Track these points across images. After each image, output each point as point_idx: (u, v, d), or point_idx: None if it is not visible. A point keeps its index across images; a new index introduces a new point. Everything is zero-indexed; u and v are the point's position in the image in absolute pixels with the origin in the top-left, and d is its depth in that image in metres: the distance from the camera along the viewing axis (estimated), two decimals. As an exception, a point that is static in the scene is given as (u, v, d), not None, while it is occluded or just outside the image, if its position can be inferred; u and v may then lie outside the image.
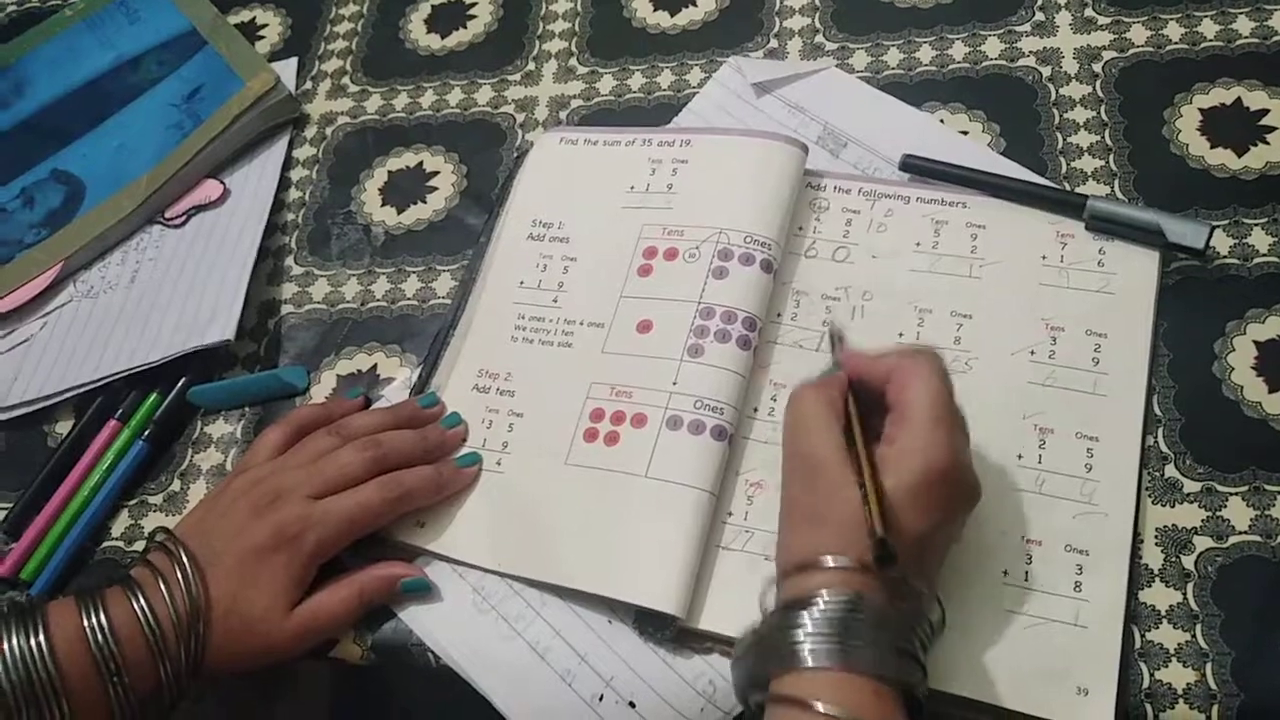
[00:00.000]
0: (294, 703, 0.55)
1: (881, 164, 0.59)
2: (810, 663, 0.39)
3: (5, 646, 0.43)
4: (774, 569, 0.44)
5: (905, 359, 0.44)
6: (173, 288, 0.62)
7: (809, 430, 0.44)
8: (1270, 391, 0.49)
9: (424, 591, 0.50)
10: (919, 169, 0.57)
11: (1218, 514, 0.47)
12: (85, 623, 0.44)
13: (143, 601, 0.45)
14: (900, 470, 0.41)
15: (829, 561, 0.40)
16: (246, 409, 0.59)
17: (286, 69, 0.72)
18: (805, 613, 0.40)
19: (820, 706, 0.38)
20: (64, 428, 0.60)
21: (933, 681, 0.44)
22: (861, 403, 0.44)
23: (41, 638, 0.44)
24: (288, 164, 0.68)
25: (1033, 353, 0.51)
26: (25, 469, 0.59)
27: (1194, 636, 0.44)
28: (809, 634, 0.39)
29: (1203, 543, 0.46)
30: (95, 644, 0.44)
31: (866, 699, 0.38)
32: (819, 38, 0.65)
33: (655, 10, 0.69)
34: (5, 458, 0.61)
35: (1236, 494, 0.47)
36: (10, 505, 0.58)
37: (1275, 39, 0.59)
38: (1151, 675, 0.44)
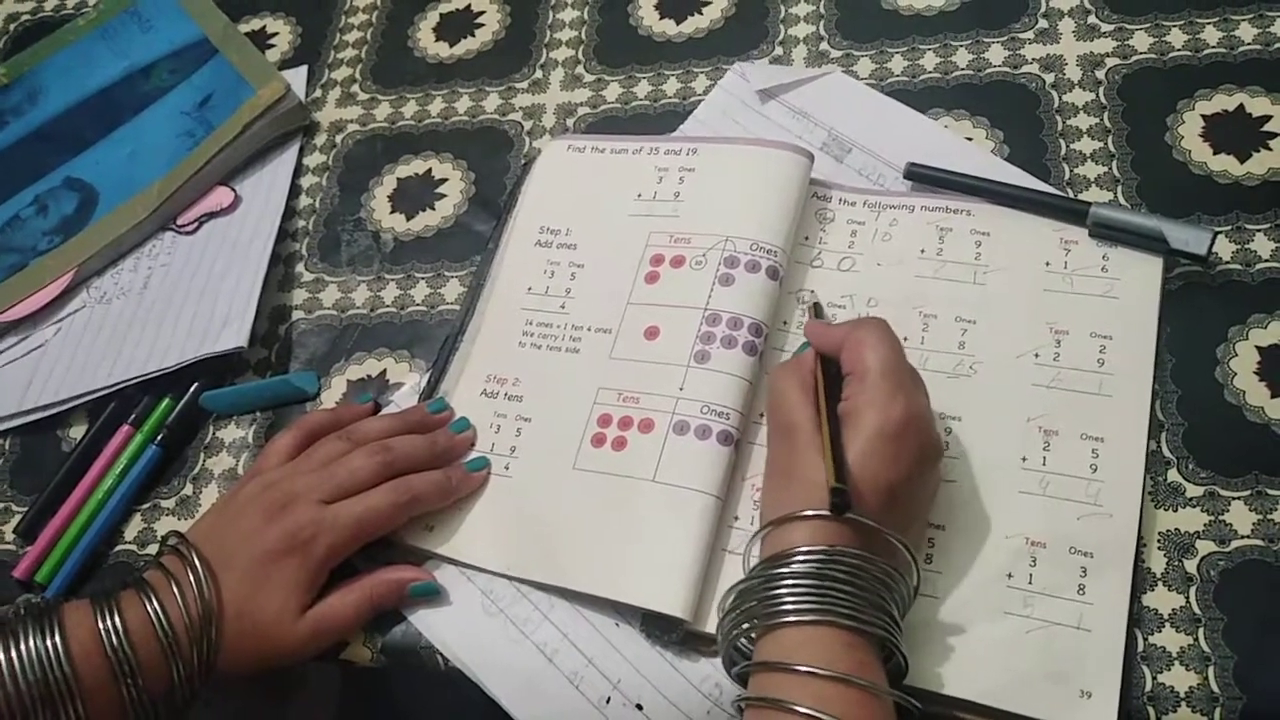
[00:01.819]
0: (304, 704, 0.56)
1: (886, 170, 0.60)
2: (792, 618, 0.41)
3: (22, 647, 0.44)
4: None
5: (856, 328, 0.47)
6: (185, 294, 0.63)
7: (784, 400, 0.47)
8: (1273, 396, 0.49)
9: (433, 595, 0.51)
10: (923, 177, 0.58)
11: (1220, 518, 0.47)
12: (100, 625, 0.45)
13: (156, 604, 0.46)
14: (859, 425, 0.44)
15: (805, 514, 0.42)
16: (258, 414, 0.60)
17: (297, 77, 0.73)
18: (785, 565, 0.42)
19: (801, 667, 0.39)
20: (78, 433, 0.61)
21: (935, 683, 0.44)
22: (830, 373, 0.48)
23: (57, 639, 0.44)
24: (298, 171, 0.69)
25: (1037, 355, 0.51)
26: (40, 473, 0.60)
27: (1197, 640, 0.45)
28: (790, 587, 0.41)
29: (1205, 547, 0.47)
30: (110, 646, 0.45)
31: (845, 652, 0.40)
32: (824, 45, 0.66)
33: (661, 18, 0.70)
34: (20, 462, 0.61)
35: (1239, 498, 0.47)
36: (25, 509, 0.58)
37: (1278, 45, 0.59)
38: (1154, 678, 0.44)
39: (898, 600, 0.42)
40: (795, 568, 0.41)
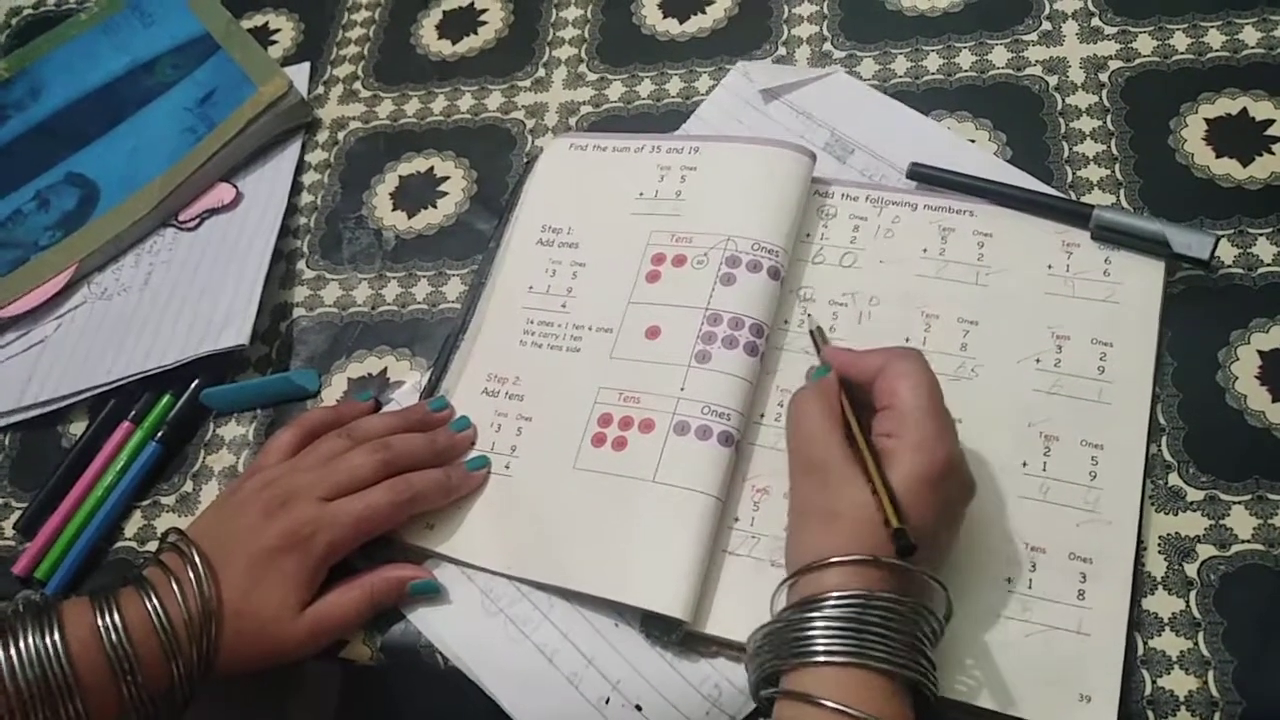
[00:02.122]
0: (303, 703, 0.56)
1: (889, 171, 0.59)
2: (822, 658, 0.40)
3: (21, 644, 0.44)
4: (781, 573, 0.45)
5: (893, 358, 0.45)
6: (186, 291, 0.63)
7: (811, 433, 0.45)
8: (1274, 401, 0.49)
9: (433, 594, 0.50)
10: (926, 177, 0.58)
11: (1221, 522, 0.47)
12: (99, 622, 0.45)
13: (156, 601, 0.46)
14: (902, 465, 0.42)
15: (841, 558, 0.41)
16: (258, 411, 0.60)
17: (299, 74, 0.73)
18: (818, 609, 0.41)
19: (830, 703, 0.38)
20: (78, 429, 0.61)
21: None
22: (855, 401, 0.46)
23: (56, 636, 0.44)
24: (300, 168, 0.69)
25: (1038, 360, 0.51)
26: (40, 470, 0.60)
27: (1196, 644, 0.45)
28: (822, 630, 0.40)
29: (1206, 551, 0.47)
30: (109, 643, 0.45)
31: (876, 694, 0.39)
32: (827, 45, 0.66)
33: (665, 17, 0.70)
34: (20, 458, 0.61)
35: (1240, 503, 0.47)
36: (25, 505, 0.58)
37: (1282, 49, 0.59)
38: (1154, 683, 0.44)
39: (929, 635, 0.41)
40: (829, 612, 0.40)
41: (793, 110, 0.63)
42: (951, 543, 0.46)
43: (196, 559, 0.48)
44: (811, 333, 0.53)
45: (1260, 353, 0.51)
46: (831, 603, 0.40)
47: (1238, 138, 0.56)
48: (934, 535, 0.43)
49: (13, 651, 0.44)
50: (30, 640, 0.44)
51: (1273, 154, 0.56)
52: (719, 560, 0.49)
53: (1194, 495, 0.48)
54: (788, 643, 0.41)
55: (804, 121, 0.62)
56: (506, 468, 0.53)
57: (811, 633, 0.41)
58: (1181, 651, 0.45)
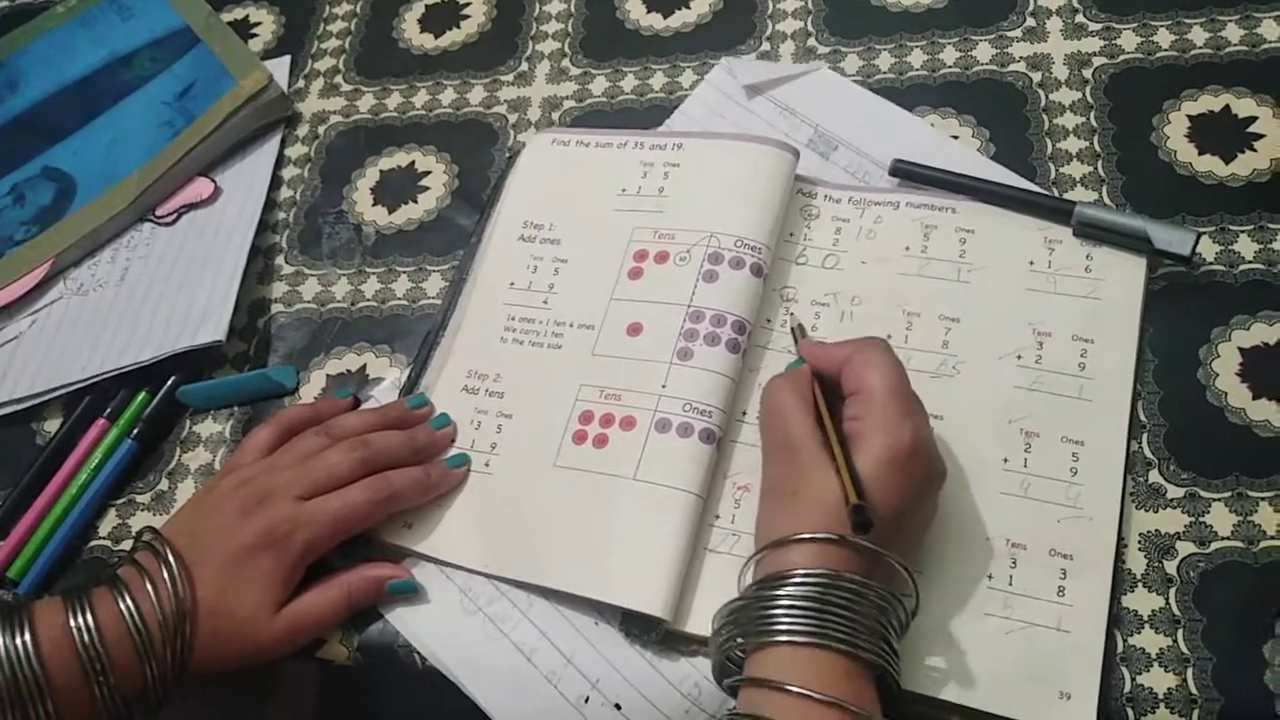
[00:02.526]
0: (280, 703, 0.55)
1: (872, 168, 0.59)
2: (784, 638, 0.40)
3: (-9, 645, 0.44)
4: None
5: (859, 348, 0.46)
6: (163, 286, 0.62)
7: (782, 417, 0.46)
8: (1254, 398, 0.49)
9: (411, 593, 0.50)
10: (909, 174, 0.57)
11: (1201, 519, 0.47)
12: (71, 622, 0.45)
13: (129, 601, 0.45)
14: (869, 447, 0.43)
15: (806, 535, 0.42)
16: (235, 408, 0.59)
17: (279, 67, 0.72)
18: (782, 585, 0.41)
19: (794, 688, 0.38)
20: (52, 426, 0.60)
21: (915, 685, 0.44)
22: (826, 390, 0.47)
23: (27, 637, 0.44)
24: (279, 162, 0.68)
25: (1019, 357, 0.51)
26: (13, 467, 0.59)
27: (1176, 642, 0.45)
28: (785, 608, 0.40)
29: (1185, 548, 0.47)
30: (81, 644, 0.44)
31: (839, 676, 0.39)
32: (811, 41, 0.65)
33: (648, 12, 0.69)
34: (-7, 455, 0.61)
35: (1219, 500, 0.47)
36: (-2, 503, 0.58)
37: (1264, 47, 0.59)
38: (1133, 680, 0.44)
39: (895, 625, 0.41)
40: (793, 589, 0.40)
41: (776, 106, 0.62)
42: (923, 531, 0.46)
43: (171, 558, 0.47)
44: (792, 330, 0.54)
45: (1241, 350, 0.51)
46: (796, 579, 0.41)
47: (1220, 135, 0.56)
48: (901, 518, 0.43)
49: (-17, 652, 0.43)
50: (1, 641, 0.44)
51: (1255, 151, 0.56)
52: (700, 558, 0.49)
53: (1174, 492, 0.48)
54: (751, 620, 0.41)
55: (788, 118, 0.62)
56: (486, 465, 0.53)
57: (775, 610, 0.40)
58: (1161, 649, 0.45)
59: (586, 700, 0.47)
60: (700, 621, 0.47)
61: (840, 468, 0.42)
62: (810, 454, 0.44)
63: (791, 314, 0.55)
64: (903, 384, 0.45)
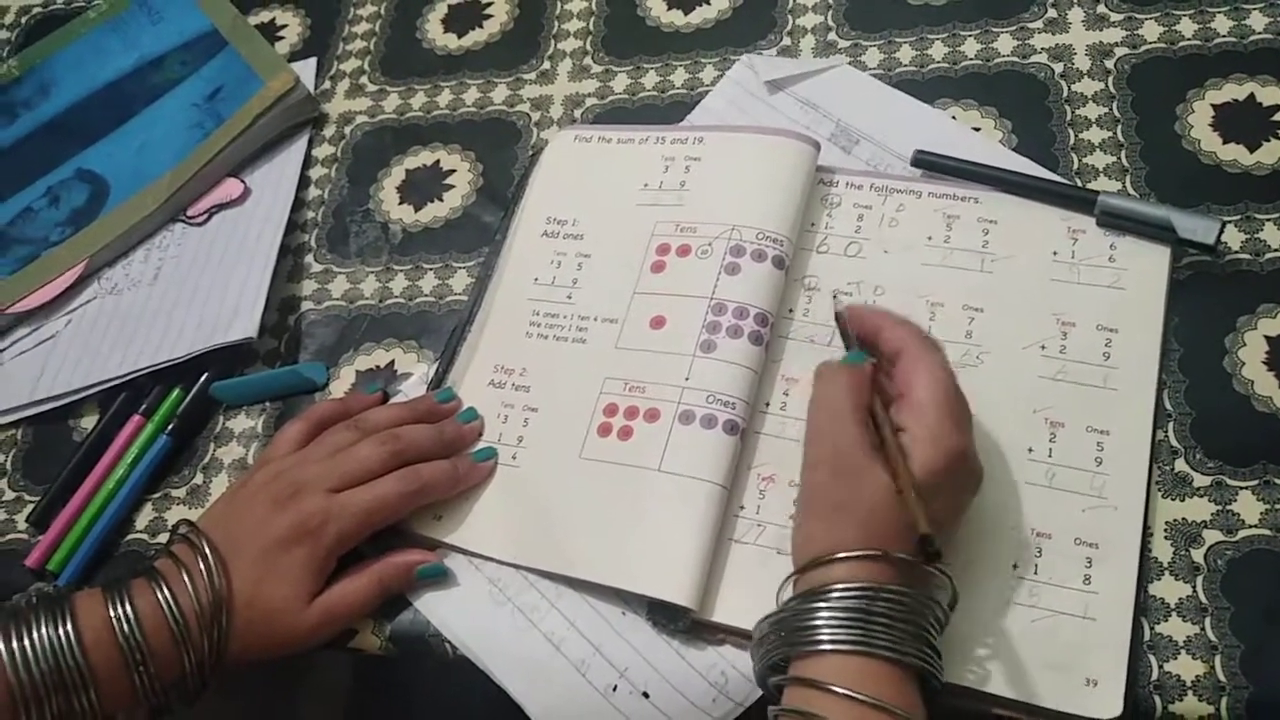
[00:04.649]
0: (313, 692, 0.56)
1: (894, 161, 0.59)
2: (829, 647, 0.40)
3: (34, 636, 0.45)
4: (787, 562, 0.45)
5: (913, 346, 0.45)
6: (195, 285, 0.63)
7: (836, 416, 0.45)
8: (1281, 386, 0.49)
9: (440, 577, 0.51)
10: (931, 165, 0.58)
11: (1228, 508, 0.47)
12: (112, 613, 0.46)
13: (167, 592, 0.46)
14: (915, 460, 0.42)
15: (852, 550, 0.42)
16: (267, 404, 0.60)
17: (306, 69, 0.73)
18: (824, 599, 0.41)
19: (838, 689, 0.39)
20: (89, 423, 0.62)
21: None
22: (885, 399, 0.45)
23: (69, 627, 0.45)
24: (307, 163, 0.69)
25: (1043, 347, 0.51)
26: (51, 463, 0.60)
27: (1203, 629, 0.45)
28: (827, 620, 0.40)
29: (1212, 536, 0.47)
30: (121, 634, 0.45)
31: (884, 682, 0.40)
32: (831, 35, 0.66)
33: (669, 9, 0.70)
34: (32, 452, 0.62)
35: (1246, 488, 0.47)
36: (37, 498, 0.59)
37: (1289, 34, 0.59)
38: (1160, 667, 0.44)
39: (934, 625, 0.42)
40: (835, 602, 0.41)
41: (797, 101, 0.63)
42: (955, 530, 0.46)
43: (207, 550, 0.48)
44: (837, 315, 0.50)
45: (1267, 338, 0.50)
46: (838, 593, 0.41)
47: (1245, 123, 0.56)
48: (942, 523, 0.43)
49: (26, 642, 0.44)
50: (44, 631, 0.45)
51: (1279, 139, 0.55)
52: (725, 548, 0.49)
53: (1201, 481, 0.48)
54: (794, 631, 0.41)
55: (809, 113, 0.62)
56: (513, 458, 0.54)
57: (817, 622, 0.41)
58: (1188, 636, 0.45)
59: (615, 689, 0.47)
60: (726, 611, 0.48)
61: (907, 493, 0.41)
62: (858, 465, 0.43)
63: (836, 297, 0.54)
64: (952, 395, 0.44)
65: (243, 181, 0.68)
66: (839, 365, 0.47)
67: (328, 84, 0.73)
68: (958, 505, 0.45)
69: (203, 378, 0.60)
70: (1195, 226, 0.51)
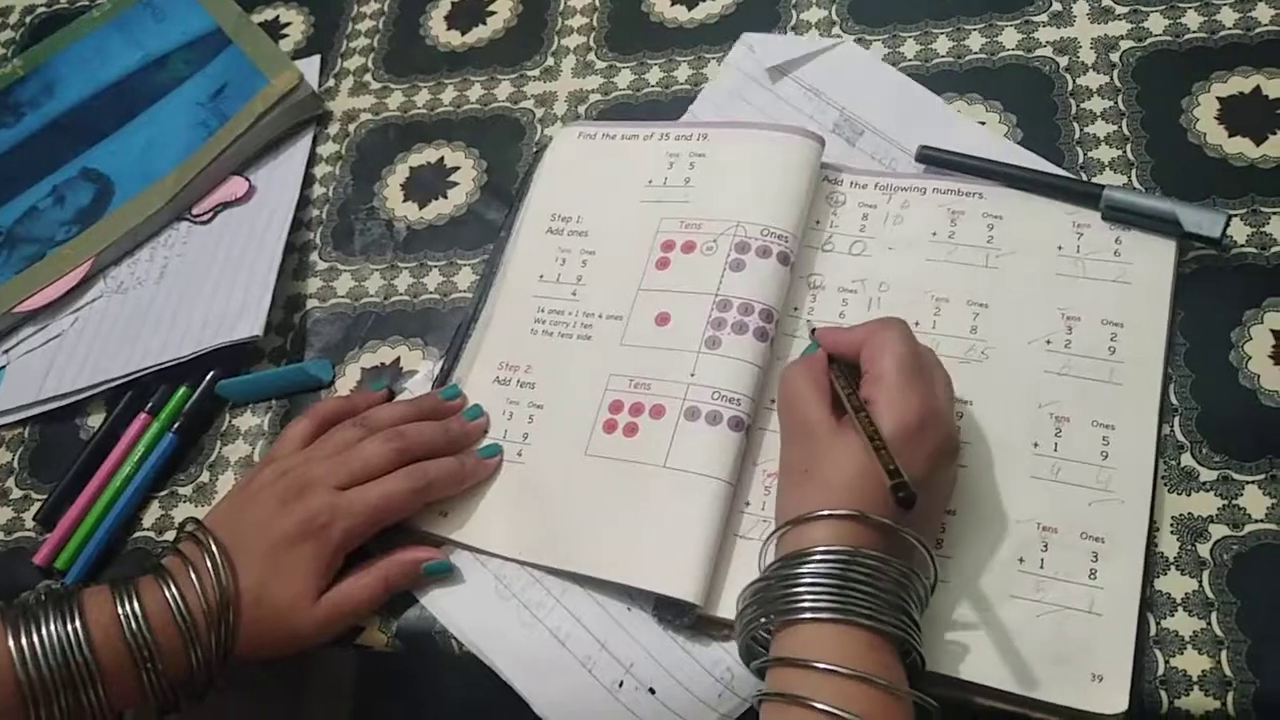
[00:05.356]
0: (320, 689, 0.56)
1: (899, 154, 0.59)
2: (808, 614, 0.40)
3: (43, 633, 0.45)
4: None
5: (874, 330, 0.47)
6: (200, 283, 0.64)
7: (799, 399, 0.47)
8: (1288, 380, 0.49)
9: (446, 573, 0.51)
10: (935, 160, 0.57)
11: (1234, 502, 0.47)
12: (120, 610, 0.46)
13: (174, 590, 0.47)
14: (883, 419, 0.43)
15: (827, 512, 0.42)
16: (273, 402, 0.61)
17: (310, 67, 0.73)
18: (804, 563, 0.41)
19: (821, 664, 0.39)
20: (95, 421, 0.62)
21: (947, 668, 0.44)
22: (847, 372, 0.47)
23: (78, 624, 0.45)
24: (311, 160, 0.69)
25: (1049, 342, 0.51)
26: (58, 461, 0.60)
27: (1209, 624, 0.45)
28: (808, 586, 0.41)
29: (1219, 531, 0.46)
30: (129, 631, 0.45)
31: (863, 651, 0.40)
32: (836, 29, 0.65)
33: (673, 4, 0.70)
34: (39, 451, 0.62)
35: (1253, 482, 0.47)
36: (44, 497, 0.59)
37: (1295, 26, 0.58)
38: (1166, 662, 0.44)
39: (915, 599, 0.42)
40: (814, 567, 0.41)
41: (801, 87, 0.62)
42: (941, 505, 0.47)
43: (214, 548, 0.48)
44: (811, 333, 0.52)
45: (1274, 332, 0.50)
46: (817, 557, 0.41)
47: (1250, 116, 0.56)
48: (915, 481, 0.43)
49: (35, 639, 0.45)
50: (52, 628, 0.45)
51: (1286, 132, 0.55)
52: (730, 544, 0.49)
53: (1207, 475, 0.48)
54: (774, 599, 0.42)
55: (813, 100, 0.62)
56: (519, 455, 0.54)
57: (798, 588, 0.41)
58: (1194, 631, 0.45)
59: (620, 684, 0.47)
60: (731, 606, 0.47)
61: (868, 446, 0.42)
62: (827, 436, 0.45)
63: (809, 320, 0.55)
64: (911, 358, 0.45)
65: (247, 180, 0.68)
66: (797, 359, 0.50)
67: (332, 82, 0.73)
68: (933, 470, 0.44)
69: (209, 376, 0.61)
70: (1201, 220, 0.51)
